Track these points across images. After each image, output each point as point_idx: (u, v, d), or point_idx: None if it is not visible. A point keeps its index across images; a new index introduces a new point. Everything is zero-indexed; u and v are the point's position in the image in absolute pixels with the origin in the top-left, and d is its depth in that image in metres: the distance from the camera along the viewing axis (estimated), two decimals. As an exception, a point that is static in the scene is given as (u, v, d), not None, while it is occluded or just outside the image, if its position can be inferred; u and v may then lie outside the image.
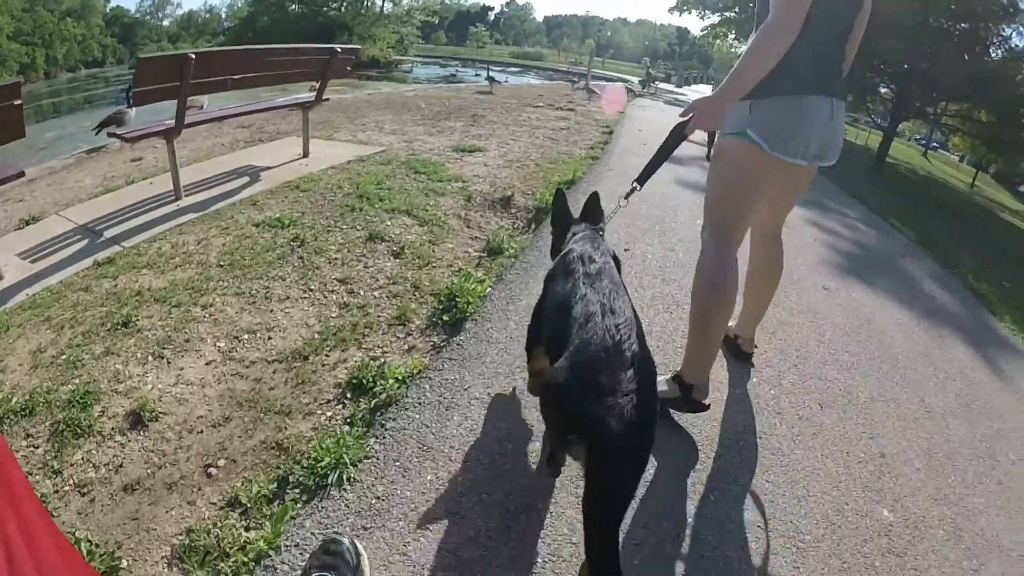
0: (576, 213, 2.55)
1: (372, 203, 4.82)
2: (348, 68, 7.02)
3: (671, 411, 2.66)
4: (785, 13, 2.05)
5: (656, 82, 31.55)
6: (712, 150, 2.51)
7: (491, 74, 21.43)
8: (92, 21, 64.05)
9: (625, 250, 4.61)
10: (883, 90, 20.70)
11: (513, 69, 52.42)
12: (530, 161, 6.84)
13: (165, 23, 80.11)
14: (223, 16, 42.28)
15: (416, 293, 3.51)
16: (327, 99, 10.13)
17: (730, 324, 3.12)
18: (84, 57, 60.68)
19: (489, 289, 3.52)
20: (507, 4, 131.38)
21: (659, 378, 2.48)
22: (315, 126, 8.29)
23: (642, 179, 2.43)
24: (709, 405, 2.61)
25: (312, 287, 3.53)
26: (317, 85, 6.71)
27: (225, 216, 4.62)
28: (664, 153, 2.37)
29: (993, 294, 6.28)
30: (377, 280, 3.65)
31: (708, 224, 2.53)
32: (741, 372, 3.20)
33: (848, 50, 2.40)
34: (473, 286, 3.43)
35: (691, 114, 2.24)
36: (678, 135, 2.30)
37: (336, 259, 3.88)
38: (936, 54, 16.30)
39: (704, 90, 42.10)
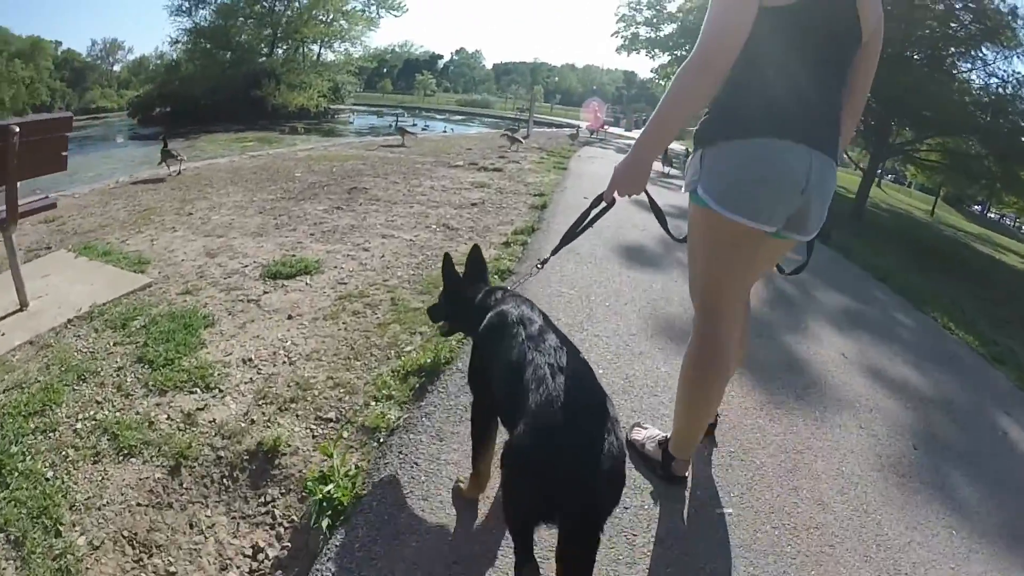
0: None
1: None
2: (63, 154, 4.00)
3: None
4: (704, 50, 1.77)
5: (605, 126, 29.38)
6: (660, 214, 2.34)
7: (401, 123, 18.56)
8: (41, 64, 62.65)
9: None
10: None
11: (457, 117, 50.30)
12: (386, 292, 4.00)
13: (116, 68, 79.19)
14: (179, 62, 39.46)
15: None
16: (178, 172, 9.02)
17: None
18: (32, 100, 58.68)
19: None
20: (457, 52, 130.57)
21: (646, 433, 2.57)
22: (134, 216, 6.52)
23: (556, 249, 2.32)
24: (686, 479, 2.43)
25: None
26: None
27: None
28: (583, 224, 2.27)
29: None
30: None
31: (695, 303, 2.23)
32: None
33: (846, 96, 2.01)
34: None
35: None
36: (599, 203, 2.18)
37: None
38: (921, 86, 14.34)
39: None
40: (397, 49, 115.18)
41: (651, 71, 28.64)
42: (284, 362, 3.15)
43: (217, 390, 2.92)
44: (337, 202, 6.81)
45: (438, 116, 49.01)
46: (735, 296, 2.14)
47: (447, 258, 2.35)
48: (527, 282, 4.55)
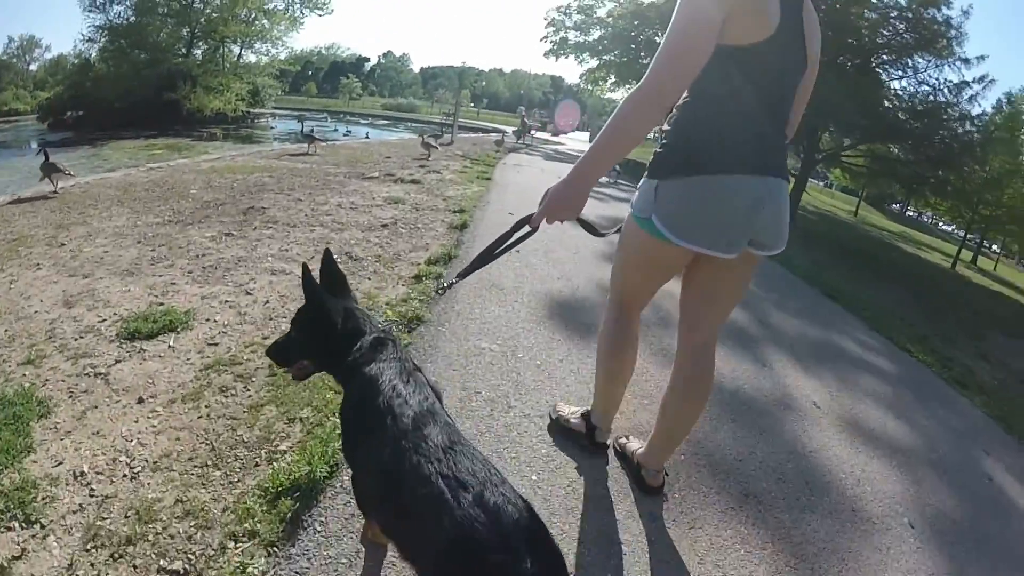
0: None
1: None
2: None
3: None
4: (658, 80, 1.71)
5: (532, 131, 28.88)
6: (590, 227, 2.20)
7: (306, 130, 17.70)
8: None
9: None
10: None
11: (382, 122, 49.15)
12: (264, 356, 3.21)
13: (32, 67, 74.60)
14: (98, 65, 37.09)
15: None
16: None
17: (637, 449, 2.62)
18: None
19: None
20: (384, 55, 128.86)
21: (569, 410, 2.82)
22: (1, 248, 5.42)
23: (464, 274, 2.00)
24: (608, 447, 2.69)
25: None
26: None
27: None
28: (500, 247, 1.98)
29: None
30: None
31: (611, 294, 2.42)
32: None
33: (789, 121, 2.03)
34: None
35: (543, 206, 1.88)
36: (522, 227, 1.96)
37: None
38: (853, 93, 14.18)
39: (581, 137, 40.79)
40: (323, 51, 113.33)
41: (579, 76, 28.36)
42: (125, 475, 2.35)
43: (39, 524, 2.11)
44: (229, 226, 5.95)
45: (362, 121, 47.71)
46: (648, 295, 2.36)
47: (306, 272, 1.68)
48: (436, 323, 3.89)
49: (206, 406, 2.75)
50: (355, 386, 1.59)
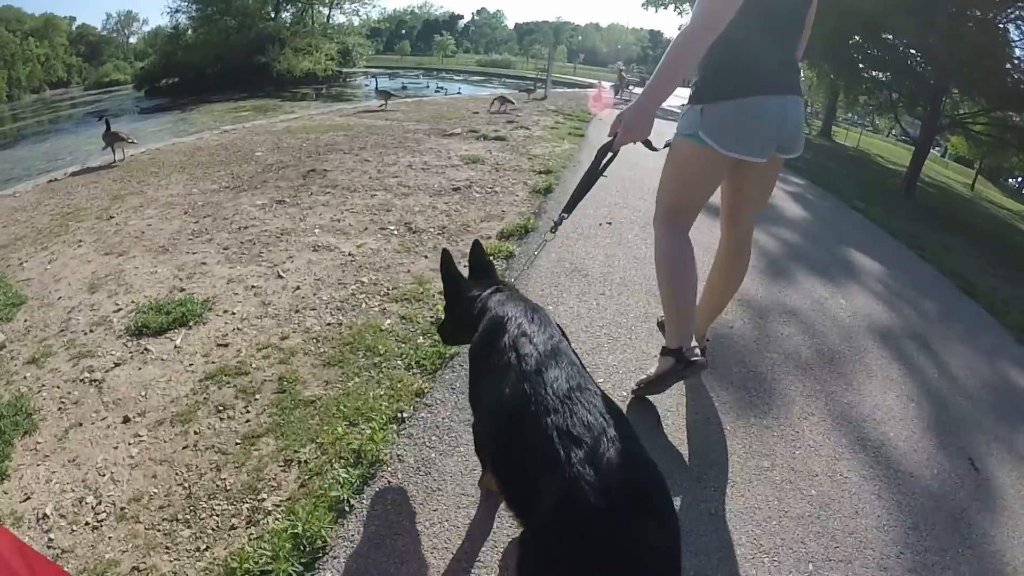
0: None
1: None
2: None
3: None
4: (708, 13, 2.01)
5: (630, 87, 27.68)
6: (648, 143, 2.24)
7: (380, 86, 17.23)
8: (56, 40, 63.74)
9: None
10: (895, 94, 17.09)
11: (477, 78, 48.53)
12: (277, 362, 2.70)
13: (132, 40, 79.11)
14: (189, 33, 38.25)
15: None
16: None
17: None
18: (48, 78, 60.34)
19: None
20: (478, 12, 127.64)
21: (650, 372, 2.55)
22: (55, 222, 5.32)
23: (570, 207, 2.21)
24: (706, 360, 2.47)
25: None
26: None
27: None
28: (593, 176, 2.21)
29: None
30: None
31: (659, 214, 2.49)
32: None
33: (799, 45, 2.37)
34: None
35: (618, 128, 2.11)
36: (606, 153, 2.18)
37: None
38: (979, 54, 12.38)
39: (682, 92, 38.88)
40: (416, 10, 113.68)
41: (678, 28, 26.94)
42: (88, 523, 1.91)
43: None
44: (284, 192, 5.49)
45: (456, 77, 47.23)
46: (696, 208, 2.47)
47: (446, 256, 1.92)
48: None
49: (195, 432, 2.25)
50: (482, 328, 1.59)
